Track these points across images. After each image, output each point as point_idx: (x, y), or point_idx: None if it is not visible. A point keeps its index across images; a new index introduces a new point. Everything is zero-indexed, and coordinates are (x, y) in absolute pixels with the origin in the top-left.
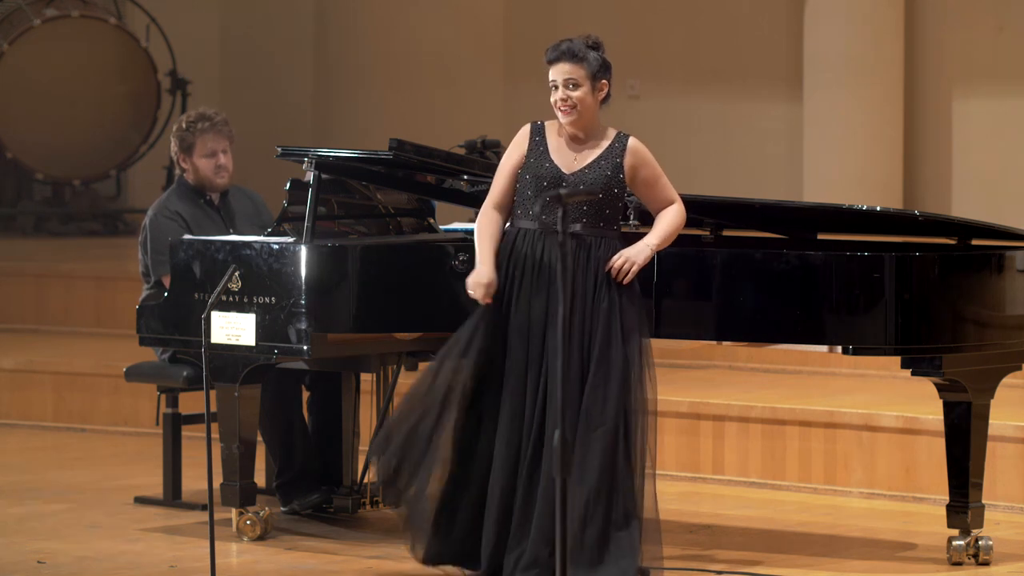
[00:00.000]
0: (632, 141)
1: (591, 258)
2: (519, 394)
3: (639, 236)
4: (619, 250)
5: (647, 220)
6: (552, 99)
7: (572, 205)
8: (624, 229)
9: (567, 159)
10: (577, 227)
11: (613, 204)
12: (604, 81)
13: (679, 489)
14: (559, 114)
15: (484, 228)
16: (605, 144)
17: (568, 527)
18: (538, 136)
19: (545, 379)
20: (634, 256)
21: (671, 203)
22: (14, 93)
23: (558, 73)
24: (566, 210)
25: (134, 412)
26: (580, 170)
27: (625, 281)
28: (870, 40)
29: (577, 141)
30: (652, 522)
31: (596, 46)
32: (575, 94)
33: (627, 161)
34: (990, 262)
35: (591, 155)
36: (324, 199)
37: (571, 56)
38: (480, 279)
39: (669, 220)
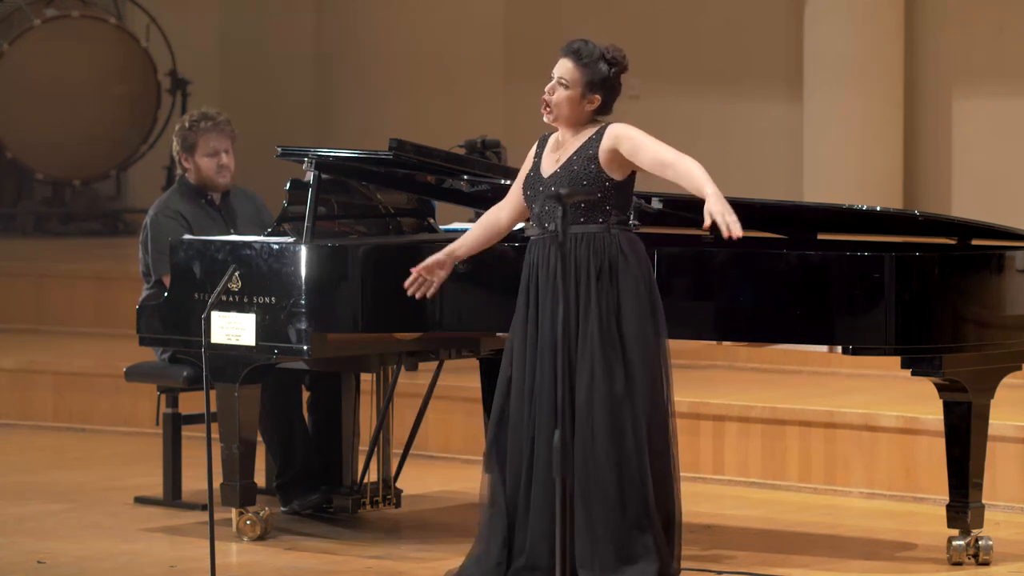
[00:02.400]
0: (610, 127)
1: (568, 255)
2: (521, 402)
3: (640, 236)
4: (607, 244)
5: (647, 220)
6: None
7: (569, 205)
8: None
9: (550, 162)
10: (552, 226)
11: (587, 199)
12: (596, 96)
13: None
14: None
15: (481, 218)
16: (583, 139)
17: (579, 529)
18: (539, 148)
19: (533, 380)
20: (722, 208)
21: (673, 157)
22: (14, 93)
23: (557, 68)
24: (566, 210)
25: (134, 412)
26: (555, 172)
27: (737, 233)
28: (870, 40)
29: (565, 141)
30: (675, 525)
31: (613, 62)
32: (559, 93)
33: (603, 147)
34: (990, 262)
35: (568, 153)
36: (324, 199)
37: (576, 56)
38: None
39: (694, 168)
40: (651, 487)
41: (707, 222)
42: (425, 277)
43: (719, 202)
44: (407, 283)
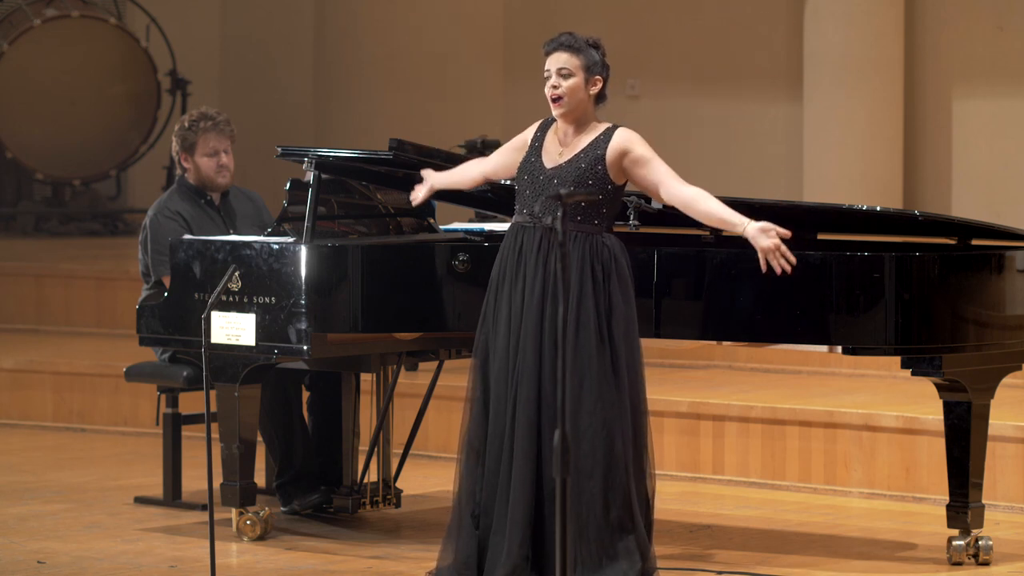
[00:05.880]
0: (620, 130)
1: (567, 255)
2: (501, 389)
3: (639, 236)
4: (601, 246)
5: (647, 220)
6: (545, 89)
7: (571, 205)
8: (623, 229)
9: (553, 155)
10: (549, 220)
11: (588, 200)
12: (598, 77)
13: (679, 489)
14: (550, 104)
15: (463, 164)
16: (591, 138)
17: (567, 529)
18: (540, 132)
19: (517, 371)
20: (771, 243)
21: (683, 186)
22: (14, 93)
23: (553, 62)
24: (566, 210)
25: (134, 412)
26: (559, 165)
27: (788, 265)
28: (870, 40)
29: (569, 136)
30: (650, 524)
31: (596, 45)
32: (565, 83)
33: (611, 147)
34: (990, 262)
35: (575, 150)
36: (324, 199)
37: (567, 47)
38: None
39: (714, 204)
40: (635, 487)
41: (763, 265)
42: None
43: (761, 232)
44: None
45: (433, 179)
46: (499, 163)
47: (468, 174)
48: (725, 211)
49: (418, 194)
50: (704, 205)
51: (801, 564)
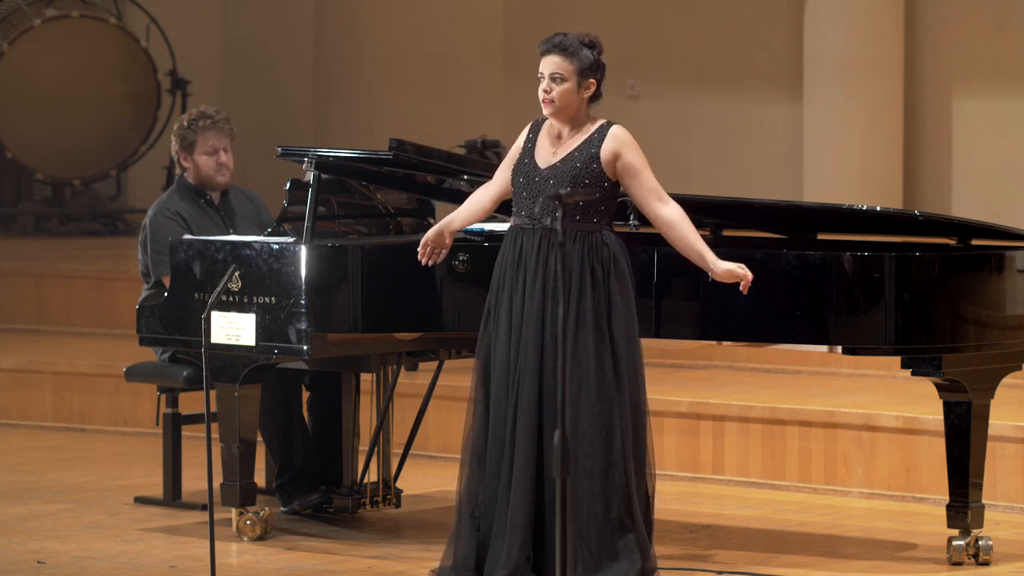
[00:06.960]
0: (614, 128)
1: (567, 255)
2: (501, 391)
3: (639, 236)
4: (600, 245)
5: (647, 220)
6: (538, 91)
7: (570, 204)
8: (623, 229)
9: (547, 154)
10: (548, 221)
11: (587, 199)
12: (592, 80)
13: (679, 489)
14: (541, 106)
15: (469, 197)
16: (584, 136)
17: (567, 529)
18: (532, 134)
19: (518, 373)
20: (729, 275)
21: (667, 204)
22: (14, 93)
23: (546, 66)
24: (566, 210)
25: (134, 412)
26: (554, 164)
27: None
28: (870, 40)
29: (562, 136)
30: (650, 524)
31: (592, 45)
32: (557, 88)
33: (605, 147)
34: (990, 262)
35: (568, 148)
36: (324, 199)
37: (561, 50)
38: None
39: (692, 235)
40: (635, 487)
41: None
42: (433, 247)
43: (727, 273)
44: (420, 255)
45: (452, 226)
46: (505, 180)
47: (482, 205)
48: (699, 243)
49: (442, 243)
50: (679, 231)
51: (801, 564)
